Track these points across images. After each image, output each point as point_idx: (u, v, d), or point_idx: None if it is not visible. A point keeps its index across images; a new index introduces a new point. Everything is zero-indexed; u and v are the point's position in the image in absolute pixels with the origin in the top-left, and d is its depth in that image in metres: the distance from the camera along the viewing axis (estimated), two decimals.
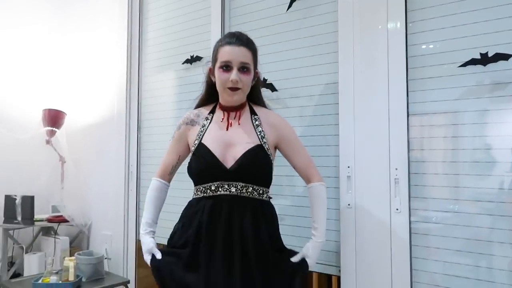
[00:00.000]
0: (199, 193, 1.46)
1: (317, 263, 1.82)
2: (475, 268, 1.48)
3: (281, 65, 1.98)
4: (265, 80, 1.99)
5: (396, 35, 1.63)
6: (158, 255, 1.45)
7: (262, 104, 1.58)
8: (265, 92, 2.00)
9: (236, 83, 1.39)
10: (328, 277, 1.90)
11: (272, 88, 1.98)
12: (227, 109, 1.49)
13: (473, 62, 1.48)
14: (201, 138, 1.47)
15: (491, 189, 1.47)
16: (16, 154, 2.75)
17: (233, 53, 1.39)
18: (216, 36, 2.23)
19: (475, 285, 1.48)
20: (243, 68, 1.40)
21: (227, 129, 1.47)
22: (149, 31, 2.67)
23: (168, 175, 1.59)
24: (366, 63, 1.70)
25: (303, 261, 1.43)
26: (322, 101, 1.85)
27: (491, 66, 1.47)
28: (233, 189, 1.39)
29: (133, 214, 2.63)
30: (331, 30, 1.83)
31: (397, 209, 1.60)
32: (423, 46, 1.61)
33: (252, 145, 1.41)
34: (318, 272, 1.87)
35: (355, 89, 1.72)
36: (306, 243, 1.46)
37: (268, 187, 1.49)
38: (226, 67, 1.39)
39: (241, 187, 1.39)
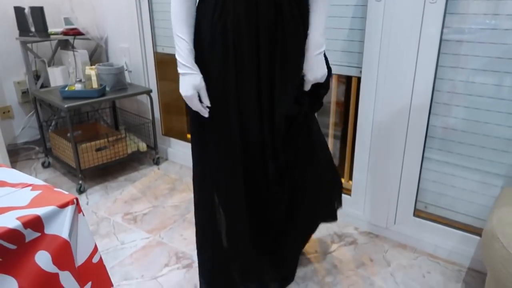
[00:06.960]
0: None
1: (337, 64, 1.76)
2: (503, 74, 1.40)
3: None
4: None
5: None
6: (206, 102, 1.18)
7: None
8: None
9: None
10: (348, 78, 1.87)
11: None
12: None
13: None
14: None
15: None
16: None
17: None
18: None
19: (497, 92, 1.42)
20: None
21: None
22: None
23: None
24: None
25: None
26: None
27: None
28: None
29: (147, 26, 2.52)
30: None
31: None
32: None
33: None
34: (337, 74, 1.83)
35: None
36: None
37: None
38: None
39: None
